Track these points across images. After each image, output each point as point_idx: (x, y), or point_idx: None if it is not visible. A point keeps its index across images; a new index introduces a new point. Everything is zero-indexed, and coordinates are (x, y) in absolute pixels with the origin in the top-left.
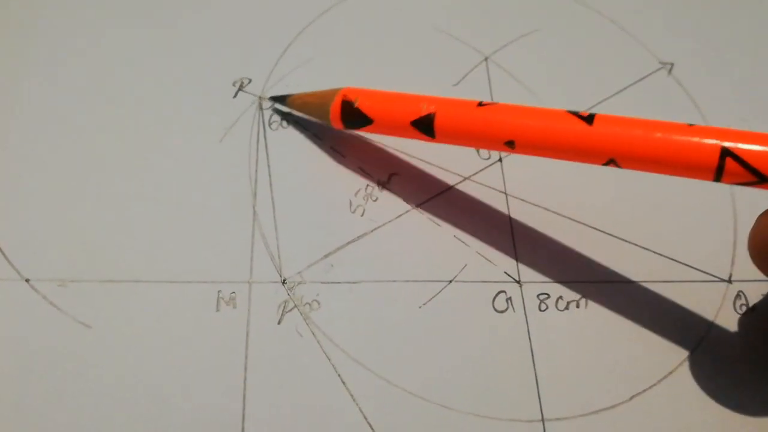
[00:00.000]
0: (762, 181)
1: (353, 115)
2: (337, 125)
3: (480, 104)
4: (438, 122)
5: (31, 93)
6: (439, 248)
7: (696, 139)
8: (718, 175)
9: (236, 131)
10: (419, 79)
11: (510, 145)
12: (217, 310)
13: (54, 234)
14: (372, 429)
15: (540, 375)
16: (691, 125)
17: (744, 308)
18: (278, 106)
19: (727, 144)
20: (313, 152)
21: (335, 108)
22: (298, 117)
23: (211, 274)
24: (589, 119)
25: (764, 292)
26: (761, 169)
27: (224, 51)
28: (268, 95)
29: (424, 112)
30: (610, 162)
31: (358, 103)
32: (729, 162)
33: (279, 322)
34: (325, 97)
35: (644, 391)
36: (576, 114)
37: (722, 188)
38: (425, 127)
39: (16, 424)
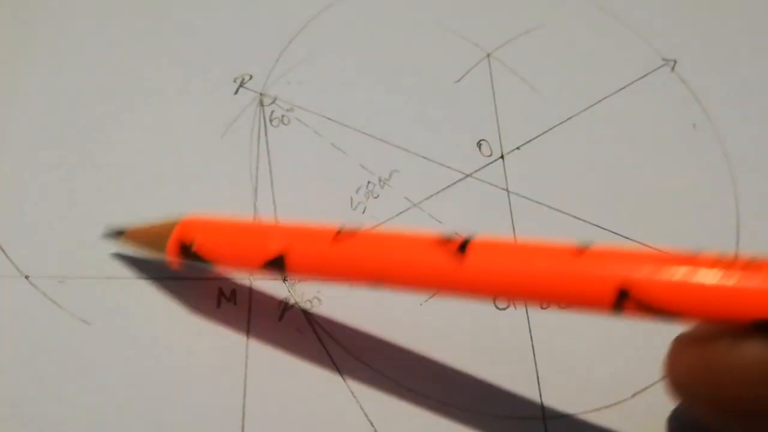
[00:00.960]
0: (668, 318)
1: (193, 259)
2: (179, 266)
3: (338, 233)
4: (290, 264)
5: (31, 89)
6: None
7: (587, 273)
8: (617, 313)
9: (237, 128)
10: (421, 75)
11: (377, 285)
12: (218, 307)
13: (54, 230)
14: (372, 426)
15: (541, 372)
16: (582, 250)
17: None
18: (116, 243)
19: (625, 275)
20: (313, 149)
21: (171, 249)
22: (300, 114)
23: (212, 271)
24: (462, 248)
25: None
26: (666, 308)
27: (225, 47)
28: (269, 92)
29: (273, 254)
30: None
31: (196, 246)
32: (628, 304)
33: (280, 319)
34: (160, 235)
35: (646, 388)
36: (449, 241)
37: (726, 187)
38: (277, 269)
39: (16, 421)
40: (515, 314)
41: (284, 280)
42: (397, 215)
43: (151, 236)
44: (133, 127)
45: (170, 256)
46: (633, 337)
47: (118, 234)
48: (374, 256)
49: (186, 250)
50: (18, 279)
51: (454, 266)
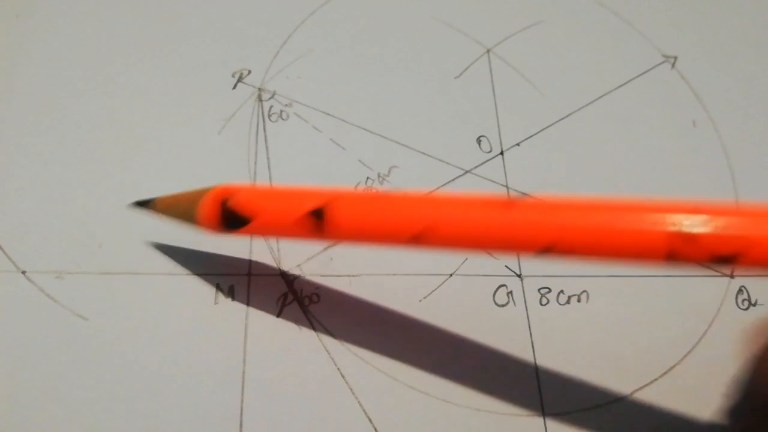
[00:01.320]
0: (725, 263)
1: (228, 219)
2: (210, 229)
3: (378, 192)
4: (330, 217)
5: (28, 85)
6: None
7: (641, 223)
8: (671, 260)
9: (235, 123)
10: (420, 71)
11: (417, 239)
12: (216, 303)
13: (51, 225)
14: (371, 422)
15: (541, 369)
16: (513, 202)
17: (746, 303)
18: (146, 211)
19: (674, 227)
20: (312, 144)
21: (206, 208)
22: (299, 109)
23: (210, 267)
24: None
25: (766, 288)
26: (720, 252)
27: (223, 42)
28: (268, 87)
29: (314, 205)
30: (542, 253)
31: (232, 202)
32: (681, 246)
33: (278, 315)
34: (192, 201)
35: (645, 386)
36: (504, 199)
37: (725, 184)
38: (317, 221)
39: (13, 417)
40: (515, 312)
41: (322, 238)
42: None
43: (183, 202)
44: (131, 122)
45: (203, 218)
46: (631, 335)
47: (147, 204)
48: (424, 210)
49: (223, 208)
50: (15, 274)
51: (510, 217)
